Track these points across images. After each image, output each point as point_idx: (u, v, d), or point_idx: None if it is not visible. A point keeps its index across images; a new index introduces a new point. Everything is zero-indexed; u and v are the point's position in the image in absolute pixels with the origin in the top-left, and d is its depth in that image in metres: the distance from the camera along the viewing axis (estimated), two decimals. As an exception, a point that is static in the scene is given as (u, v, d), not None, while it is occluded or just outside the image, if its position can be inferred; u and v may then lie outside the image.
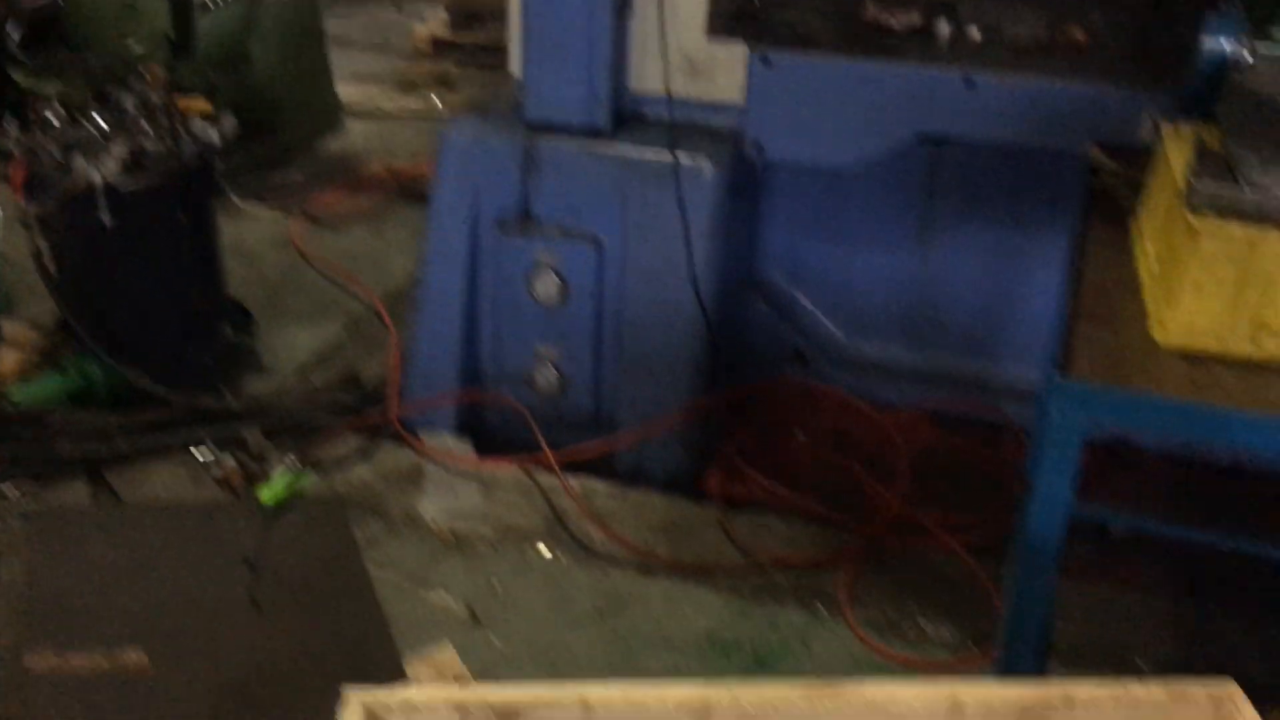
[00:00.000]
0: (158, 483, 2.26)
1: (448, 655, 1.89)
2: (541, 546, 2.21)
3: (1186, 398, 1.27)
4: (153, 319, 2.47)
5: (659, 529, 2.27)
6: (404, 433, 2.42)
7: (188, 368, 2.50)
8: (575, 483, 2.33)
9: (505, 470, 2.38)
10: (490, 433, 2.48)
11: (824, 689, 1.04)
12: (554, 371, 2.39)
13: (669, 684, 1.05)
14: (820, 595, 2.14)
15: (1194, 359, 1.36)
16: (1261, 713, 1.03)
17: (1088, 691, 1.03)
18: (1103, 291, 1.53)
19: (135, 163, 2.34)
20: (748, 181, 2.43)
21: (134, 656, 1.77)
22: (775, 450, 2.48)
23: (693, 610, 2.10)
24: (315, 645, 1.81)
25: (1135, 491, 2.31)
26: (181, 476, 2.28)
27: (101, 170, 2.29)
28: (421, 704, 1.01)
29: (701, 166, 2.21)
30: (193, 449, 2.33)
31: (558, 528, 2.26)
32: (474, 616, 2.03)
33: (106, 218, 2.30)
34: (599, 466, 2.42)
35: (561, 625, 2.04)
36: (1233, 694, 1.03)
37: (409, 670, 1.82)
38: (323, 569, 2.03)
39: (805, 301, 2.62)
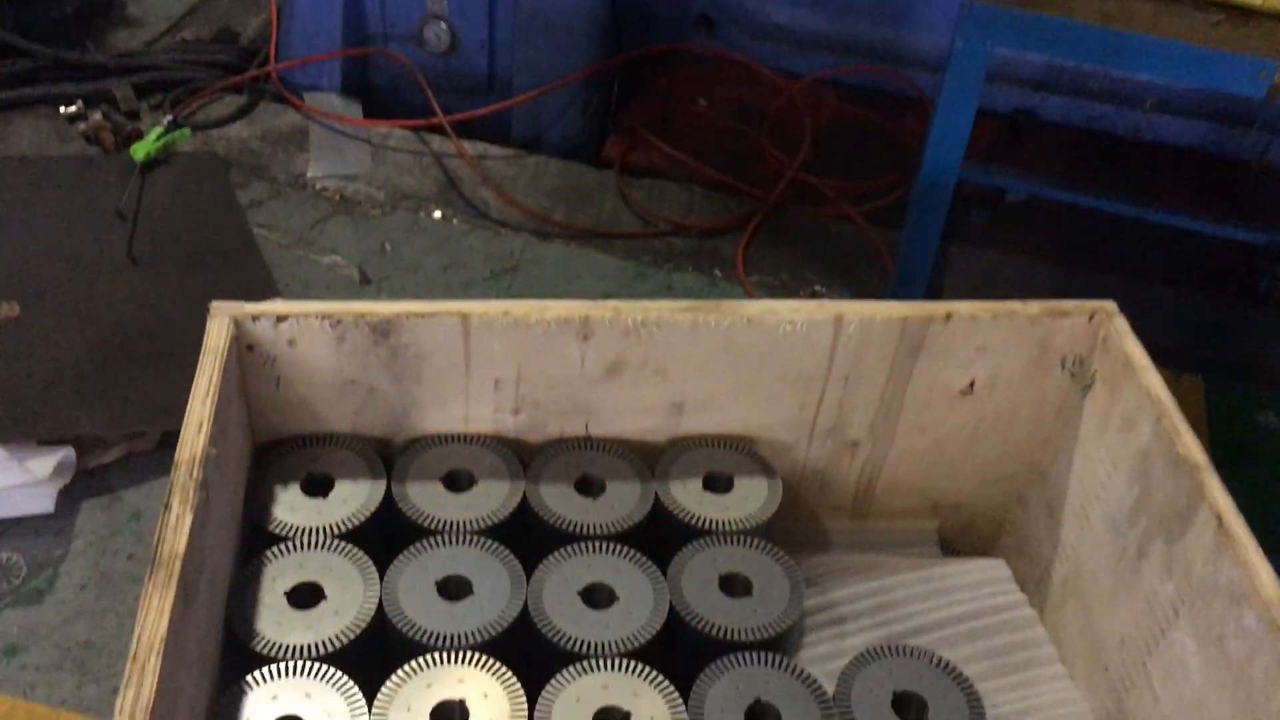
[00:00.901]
0: (20, 138, 2.12)
1: (337, 312, 1.86)
2: (435, 210, 2.15)
3: (1095, 23, 1.23)
4: (0, -38, 2.25)
5: (556, 195, 2.22)
6: (286, 92, 2.29)
7: (47, 18, 2.31)
8: (469, 147, 2.25)
9: (395, 132, 2.28)
10: (378, 95, 2.36)
11: (706, 305, 1.02)
12: (445, 28, 2.25)
13: (550, 301, 1.02)
14: (718, 260, 2.13)
15: (1107, -9, 1.31)
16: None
17: (967, 307, 1.03)
18: (1020, -75, 1.45)
19: None
20: None
21: (5, 307, 1.71)
22: (677, 118, 2.41)
23: (589, 273, 2.08)
24: (196, 297, 1.74)
25: (1034, 161, 2.32)
26: (46, 132, 2.14)
27: None
28: (292, 315, 0.97)
29: None
30: (58, 104, 2.18)
31: (451, 192, 2.20)
32: (364, 277, 1.99)
33: None
34: (494, 134, 2.33)
35: (455, 286, 2.01)
36: (1109, 310, 1.04)
37: (297, 325, 1.79)
38: (202, 224, 1.95)
39: (713, -38, 2.49)
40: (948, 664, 0.94)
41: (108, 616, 1.43)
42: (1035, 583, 1.14)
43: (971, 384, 1.08)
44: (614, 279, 2.07)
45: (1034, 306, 1.04)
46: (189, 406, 0.88)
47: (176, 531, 0.80)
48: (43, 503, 1.52)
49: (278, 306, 0.97)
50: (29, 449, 1.54)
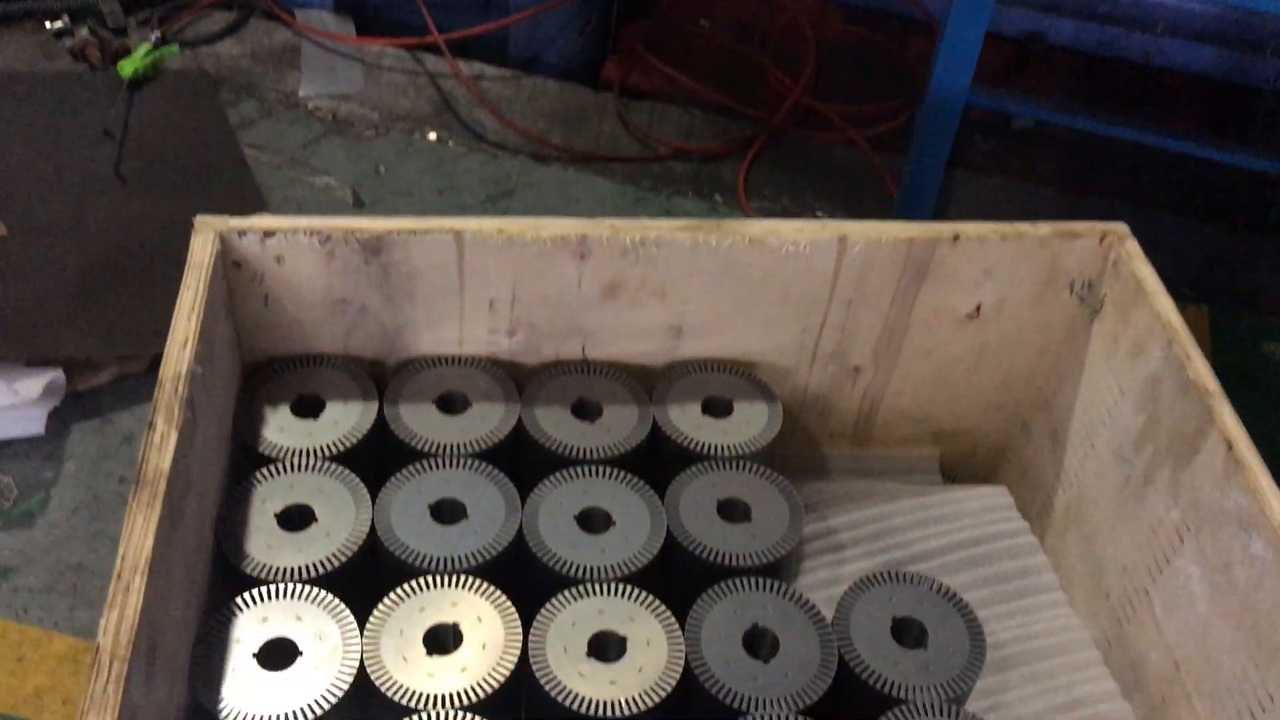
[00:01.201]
0: (4, 54, 2.07)
1: (331, 234, 1.82)
2: (430, 132, 2.11)
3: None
4: None
5: (553, 117, 2.18)
6: (276, 8, 2.23)
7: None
8: (465, 67, 2.20)
9: (389, 51, 2.23)
10: (372, 12, 2.30)
11: (707, 225, 1.00)
12: (440, -57, 2.19)
13: (546, 219, 0.99)
14: (718, 185, 2.09)
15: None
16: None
17: (976, 228, 1.01)
18: None
19: None
20: None
21: (-9, 228, 1.67)
22: (678, 38, 2.36)
23: (587, 197, 2.04)
24: (186, 218, 1.71)
25: (1042, 86, 2.27)
26: (31, 47, 2.09)
27: None
28: (280, 230, 0.94)
29: None
30: (43, 19, 2.13)
31: (446, 113, 2.15)
32: (358, 199, 1.95)
33: None
34: (490, 54, 2.27)
35: (450, 209, 1.97)
36: (1120, 232, 1.01)
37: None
38: (192, 144, 1.90)
39: (717, -124, 2.41)
40: (948, 590, 0.92)
41: (100, 540, 1.42)
42: (1037, 510, 1.12)
43: (978, 308, 1.05)
44: (612, 203, 2.03)
45: (1044, 228, 1.01)
46: (173, 323, 0.86)
47: (161, 450, 0.78)
48: (32, 425, 1.50)
49: (265, 221, 0.94)
50: (17, 370, 1.51)
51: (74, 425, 1.54)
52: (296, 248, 0.95)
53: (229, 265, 0.94)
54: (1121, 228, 1.02)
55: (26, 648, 1.31)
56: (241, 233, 0.93)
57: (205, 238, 0.93)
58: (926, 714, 0.84)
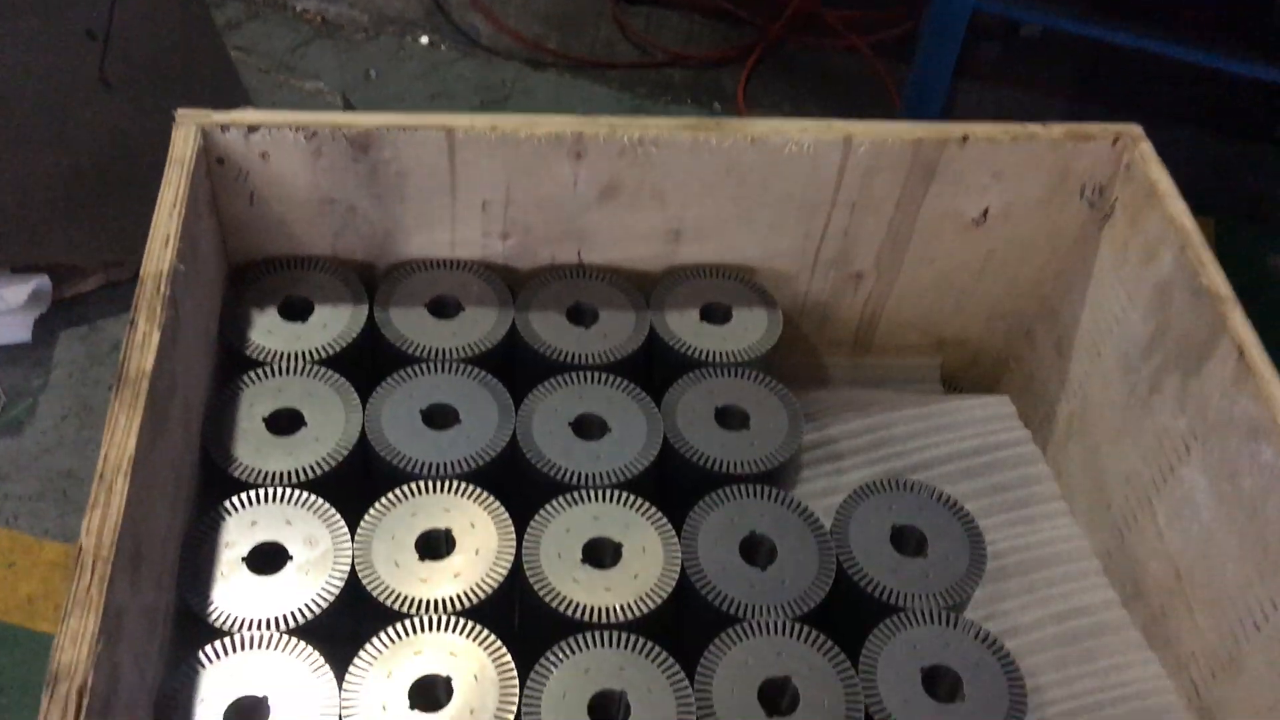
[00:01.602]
0: (-18, -48, 2.01)
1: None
2: (422, 35, 2.05)
3: None
4: None
5: (549, 21, 2.12)
6: (263, -94, 2.16)
7: None
8: (458, -31, 2.14)
9: (380, -48, 2.16)
10: (362, -89, 2.23)
11: (707, 123, 0.96)
12: None
13: (540, 115, 0.96)
14: (717, 93, 2.05)
15: None
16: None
17: (985, 129, 0.97)
18: None
19: None
20: None
21: (-28, 131, 1.63)
22: (677, -59, 2.28)
23: (583, 106, 2.00)
24: (171, 122, 1.67)
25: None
26: (9, -54, 2.02)
27: None
28: (265, 125, 0.91)
29: None
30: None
31: (438, 16, 2.09)
32: (348, 105, 1.91)
33: None
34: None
35: (443, 116, 1.93)
36: (1134, 134, 0.98)
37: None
38: (178, 47, 1.85)
39: None
40: (948, 499, 0.91)
41: (89, 447, 1.40)
42: (1039, 420, 1.10)
43: (985, 213, 1.02)
44: (608, 111, 1.99)
45: (1056, 130, 0.98)
46: (154, 220, 0.83)
47: (143, 350, 0.76)
48: (19, 331, 1.48)
49: (249, 116, 0.91)
50: (2, 277, 1.49)
51: (61, 332, 1.52)
52: (282, 144, 0.91)
53: (212, 161, 0.91)
54: (1135, 129, 0.98)
55: (17, 554, 1.30)
56: (224, 127, 0.90)
57: (187, 131, 0.89)
58: (925, 622, 0.83)
